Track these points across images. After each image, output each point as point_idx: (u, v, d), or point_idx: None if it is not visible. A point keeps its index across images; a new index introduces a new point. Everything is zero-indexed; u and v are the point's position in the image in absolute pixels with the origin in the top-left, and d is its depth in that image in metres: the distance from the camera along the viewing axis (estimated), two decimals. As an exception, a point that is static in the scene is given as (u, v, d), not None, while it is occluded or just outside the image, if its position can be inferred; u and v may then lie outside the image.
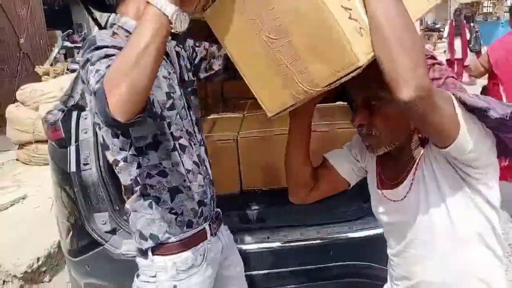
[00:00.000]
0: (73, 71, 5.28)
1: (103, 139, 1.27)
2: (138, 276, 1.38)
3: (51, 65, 5.97)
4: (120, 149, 1.25)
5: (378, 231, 1.79)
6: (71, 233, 1.96)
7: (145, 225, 1.31)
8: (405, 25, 0.83)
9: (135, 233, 1.34)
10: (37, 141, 4.70)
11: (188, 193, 1.34)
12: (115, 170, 1.31)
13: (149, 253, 1.32)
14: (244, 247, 1.83)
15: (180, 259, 1.33)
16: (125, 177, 1.29)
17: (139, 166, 1.27)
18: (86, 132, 1.89)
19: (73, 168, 1.85)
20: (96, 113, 1.03)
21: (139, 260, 1.36)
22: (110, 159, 1.29)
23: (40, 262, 2.92)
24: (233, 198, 1.79)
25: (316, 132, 2.17)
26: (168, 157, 1.29)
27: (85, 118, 1.91)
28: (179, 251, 1.33)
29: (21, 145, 4.88)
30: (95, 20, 1.95)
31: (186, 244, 1.34)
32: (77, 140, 1.88)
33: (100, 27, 1.94)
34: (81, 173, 1.86)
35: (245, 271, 1.74)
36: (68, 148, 1.87)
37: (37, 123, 4.60)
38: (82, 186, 1.86)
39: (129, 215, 1.34)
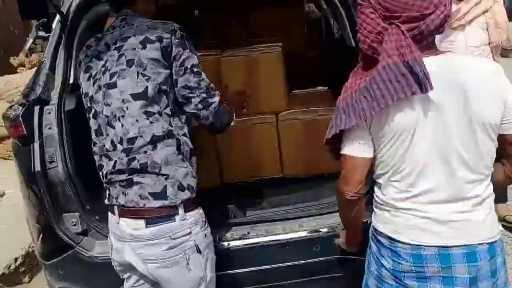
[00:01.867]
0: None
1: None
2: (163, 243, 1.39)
3: (26, 56, 5.76)
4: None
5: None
6: (41, 235, 1.85)
7: (183, 176, 1.42)
8: None
9: (173, 185, 1.39)
10: (15, 136, 4.52)
11: (195, 159, 1.52)
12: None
13: (181, 210, 1.40)
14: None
15: (202, 211, 1.50)
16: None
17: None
18: (50, 128, 1.75)
19: (37, 167, 1.71)
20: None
21: (162, 227, 1.38)
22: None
23: (18, 262, 2.81)
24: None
25: (297, 120, 2.09)
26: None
27: (49, 113, 1.77)
28: (198, 205, 1.49)
29: (-2, 140, 4.69)
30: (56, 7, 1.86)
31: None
32: (40, 136, 1.74)
33: (62, 15, 1.87)
34: (47, 172, 1.73)
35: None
36: (32, 146, 1.74)
37: (13, 117, 4.42)
38: (49, 186, 1.74)
39: (159, 168, 1.39)
